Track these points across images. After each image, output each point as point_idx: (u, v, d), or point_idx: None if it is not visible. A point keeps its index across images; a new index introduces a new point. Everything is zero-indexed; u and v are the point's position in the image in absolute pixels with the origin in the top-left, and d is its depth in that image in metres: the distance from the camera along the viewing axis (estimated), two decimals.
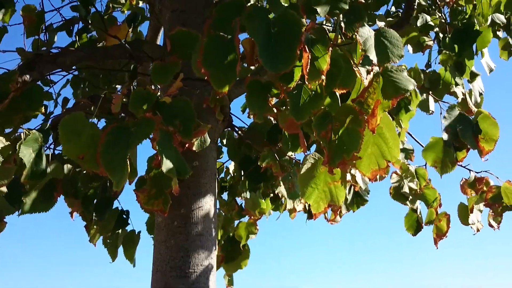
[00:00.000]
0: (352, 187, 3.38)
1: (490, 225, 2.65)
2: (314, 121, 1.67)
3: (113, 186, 1.62)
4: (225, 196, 3.20)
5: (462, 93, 2.89)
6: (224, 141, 3.07)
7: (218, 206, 2.91)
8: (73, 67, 2.81)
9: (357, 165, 1.70)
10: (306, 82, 1.66)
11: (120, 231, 2.84)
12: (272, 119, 2.70)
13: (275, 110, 1.92)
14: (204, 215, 2.15)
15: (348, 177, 3.38)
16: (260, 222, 2.91)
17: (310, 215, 3.61)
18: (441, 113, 2.38)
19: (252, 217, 2.68)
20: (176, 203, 2.14)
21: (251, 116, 2.62)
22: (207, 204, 2.18)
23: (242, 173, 2.76)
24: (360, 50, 1.66)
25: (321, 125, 1.67)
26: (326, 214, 3.52)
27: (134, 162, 1.78)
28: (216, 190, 2.33)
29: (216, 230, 2.23)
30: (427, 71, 2.91)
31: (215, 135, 2.30)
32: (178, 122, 1.80)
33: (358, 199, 3.34)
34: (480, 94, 2.87)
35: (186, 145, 1.98)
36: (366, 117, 1.62)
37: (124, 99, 1.94)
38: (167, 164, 1.65)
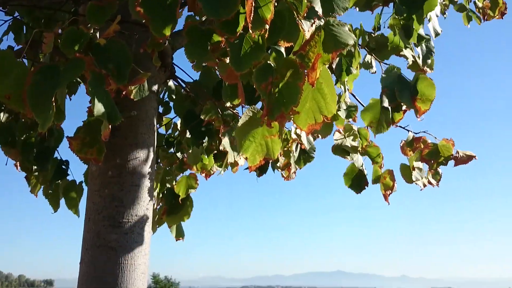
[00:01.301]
0: (299, 145, 3.42)
1: (430, 183, 2.74)
2: (255, 72, 1.63)
3: (38, 127, 1.54)
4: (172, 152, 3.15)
5: (412, 55, 2.91)
6: (173, 96, 2.99)
7: (158, 159, 2.86)
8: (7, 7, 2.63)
9: (294, 119, 1.69)
10: (250, 31, 1.61)
11: (60, 181, 2.76)
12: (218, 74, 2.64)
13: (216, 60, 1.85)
14: (141, 166, 2.10)
15: (294, 136, 3.41)
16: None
17: (260, 172, 3.64)
18: None
19: (193, 171, 2.65)
20: (112, 152, 2.07)
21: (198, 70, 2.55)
22: (144, 155, 2.13)
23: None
24: (305, 1, 1.62)
25: (262, 77, 1.63)
26: (282, 172, 3.57)
27: (62, 104, 1.69)
28: (155, 142, 2.27)
29: (153, 182, 2.19)
30: (375, 34, 2.90)
31: (156, 85, 2.22)
32: (112, 65, 1.71)
33: (305, 156, 3.39)
34: (431, 54, 2.89)
35: (124, 93, 1.90)
36: (306, 71, 1.60)
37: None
38: (98, 107, 1.58)
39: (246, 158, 1.76)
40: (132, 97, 1.93)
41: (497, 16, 3.32)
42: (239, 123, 1.71)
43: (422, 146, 2.66)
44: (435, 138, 2.66)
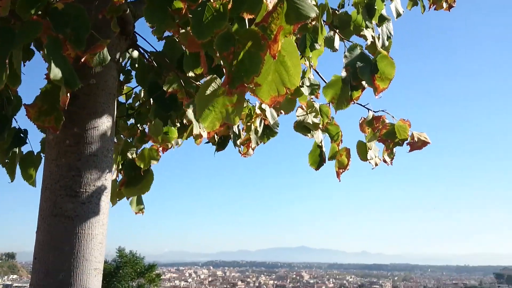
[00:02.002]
0: (263, 121, 3.44)
1: (384, 161, 2.82)
2: (216, 40, 1.62)
3: None
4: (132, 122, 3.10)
5: (372, 36, 2.95)
6: (136, 66, 2.93)
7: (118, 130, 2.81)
8: None
9: (257, 92, 1.69)
10: (211, 0, 1.60)
11: (17, 151, 2.68)
12: (183, 47, 2.60)
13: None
14: (100, 136, 2.06)
15: (258, 111, 3.42)
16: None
17: (219, 147, 3.64)
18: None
19: (154, 143, 2.62)
20: (70, 121, 2.03)
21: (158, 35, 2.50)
22: (104, 125, 2.09)
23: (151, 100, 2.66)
24: None
25: (223, 46, 1.63)
26: (240, 147, 3.58)
27: (18, 68, 1.63)
28: (115, 112, 2.23)
29: (113, 153, 2.16)
30: (339, 11, 2.93)
31: (116, 53, 2.17)
32: (69, 30, 1.66)
33: (268, 132, 3.42)
34: (389, 37, 2.95)
35: (82, 59, 1.85)
36: (268, 42, 1.60)
37: None
38: (55, 72, 1.54)
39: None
40: (91, 64, 1.88)
41: (445, 8, 3.37)
42: (199, 92, 1.71)
43: (381, 126, 2.72)
44: (393, 117, 2.72)
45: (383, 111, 2.74)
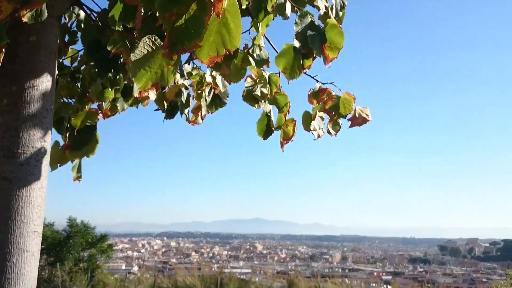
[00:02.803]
0: (213, 89, 3.41)
1: (329, 132, 2.87)
2: (158, 0, 1.58)
3: None
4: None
5: (325, 6, 2.96)
6: (82, 26, 2.82)
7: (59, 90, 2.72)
8: None
9: (196, 52, 1.68)
10: None
11: None
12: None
13: None
14: (39, 96, 1.99)
15: (209, 79, 3.39)
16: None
17: (168, 115, 3.60)
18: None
19: (93, 102, 2.56)
20: (8, 80, 1.95)
21: None
22: (43, 84, 2.02)
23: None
24: None
25: (166, 7, 1.59)
26: (187, 115, 3.54)
27: None
28: (56, 71, 2.16)
29: (52, 113, 2.10)
30: None
31: (58, 10, 2.08)
32: None
33: (217, 101, 3.40)
34: (342, 8, 2.96)
35: (16, 14, 1.76)
36: (212, 1, 1.58)
37: None
38: None
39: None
40: (26, 20, 1.80)
41: None
42: (137, 51, 1.66)
43: (326, 98, 2.76)
44: (340, 90, 2.76)
45: (330, 83, 2.79)
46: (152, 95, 2.52)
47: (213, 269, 24.13)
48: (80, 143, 2.63)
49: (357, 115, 2.71)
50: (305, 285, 20.00)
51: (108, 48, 2.24)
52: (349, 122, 2.74)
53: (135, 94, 2.32)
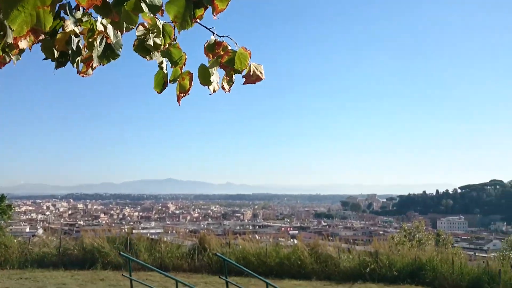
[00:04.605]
0: (104, 39, 3.18)
1: (223, 88, 2.80)
2: None
3: None
4: None
5: None
6: None
7: None
8: None
9: None
10: None
11: None
12: None
13: None
14: None
15: (100, 27, 3.15)
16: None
17: (59, 64, 3.32)
18: None
19: None
20: None
21: None
22: None
23: None
24: None
25: None
26: (78, 66, 3.28)
27: None
28: None
29: None
30: None
31: None
32: None
33: (109, 53, 3.18)
34: None
35: None
36: None
37: None
38: None
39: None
40: None
41: None
42: None
43: (222, 52, 2.68)
44: (236, 44, 2.68)
45: (227, 36, 2.70)
46: (25, 43, 2.27)
47: (123, 230, 23.76)
48: None
49: (251, 72, 2.66)
50: (216, 242, 20.46)
51: None
52: (244, 80, 2.69)
53: (9, 40, 2.06)
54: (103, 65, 3.17)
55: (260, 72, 2.68)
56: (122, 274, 13.04)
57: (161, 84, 2.92)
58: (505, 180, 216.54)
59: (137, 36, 2.71)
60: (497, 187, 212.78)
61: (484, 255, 32.29)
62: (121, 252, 13.22)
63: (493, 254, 29.13)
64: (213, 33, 2.70)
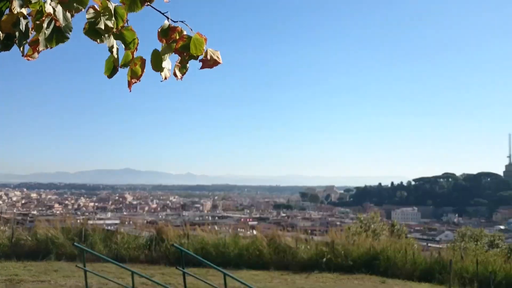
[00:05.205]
0: (53, 21, 3.04)
1: (175, 75, 2.72)
2: None
3: None
4: None
5: None
6: None
7: None
8: None
9: None
10: None
11: None
12: None
13: None
14: None
15: (49, 9, 3.00)
16: None
17: (4, 47, 3.15)
18: None
19: None
20: None
21: None
22: None
23: None
24: None
25: None
26: (22, 50, 3.12)
27: None
28: None
29: None
30: None
31: None
32: None
33: (58, 36, 3.04)
34: None
35: None
36: None
37: None
38: None
39: None
40: None
41: None
42: None
43: (177, 37, 2.60)
44: (191, 30, 2.61)
45: (181, 22, 2.61)
46: None
47: (78, 221, 23.18)
48: None
49: (208, 57, 2.60)
50: (174, 233, 20.29)
51: None
52: (201, 65, 2.62)
53: None
54: (51, 48, 3.03)
55: (218, 57, 2.62)
56: (76, 265, 12.72)
57: (111, 68, 2.81)
58: (457, 173, 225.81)
59: (88, 19, 2.59)
60: (449, 179, 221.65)
61: (436, 245, 33.65)
62: (75, 243, 12.90)
63: (445, 244, 30.38)
64: (168, 18, 2.62)
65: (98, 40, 2.59)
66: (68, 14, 2.87)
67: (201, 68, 2.63)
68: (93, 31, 2.59)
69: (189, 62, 2.64)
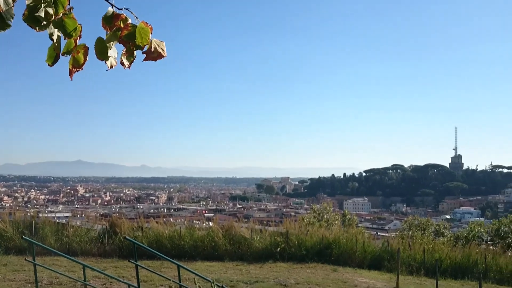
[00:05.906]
0: None
1: (122, 64, 2.66)
2: None
3: None
4: None
5: None
6: None
7: None
8: None
9: None
10: None
11: None
12: None
13: None
14: None
15: None
16: None
17: None
18: None
19: None
20: None
21: None
22: None
23: None
24: None
25: None
26: None
27: None
28: None
29: None
30: None
31: None
32: None
33: (0, 22, 2.92)
34: None
35: None
36: None
37: None
38: None
39: None
40: None
41: None
42: None
43: (122, 25, 2.55)
44: (137, 18, 2.55)
45: (126, 9, 2.56)
46: None
47: (28, 214, 22.34)
48: None
49: (152, 48, 2.56)
50: (128, 226, 19.93)
51: None
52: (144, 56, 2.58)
53: None
54: None
55: (162, 49, 2.59)
56: (25, 259, 12.28)
57: (53, 56, 2.72)
58: (406, 165, 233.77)
59: (27, 5, 2.50)
60: (398, 171, 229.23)
61: (385, 234, 34.78)
62: (24, 236, 12.44)
63: (393, 233, 31.43)
64: (112, 5, 2.56)
65: (37, 28, 2.50)
66: (10, 0, 2.76)
67: (144, 60, 2.58)
68: (33, 19, 2.49)
69: (136, 51, 2.59)
